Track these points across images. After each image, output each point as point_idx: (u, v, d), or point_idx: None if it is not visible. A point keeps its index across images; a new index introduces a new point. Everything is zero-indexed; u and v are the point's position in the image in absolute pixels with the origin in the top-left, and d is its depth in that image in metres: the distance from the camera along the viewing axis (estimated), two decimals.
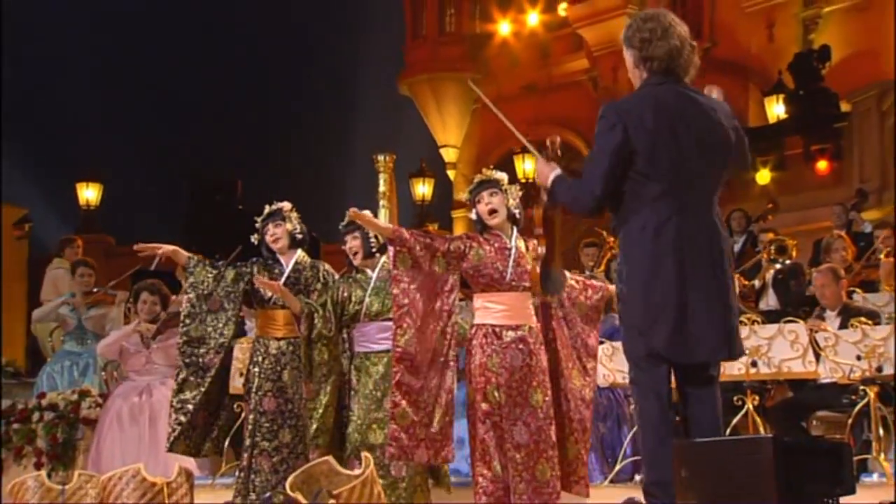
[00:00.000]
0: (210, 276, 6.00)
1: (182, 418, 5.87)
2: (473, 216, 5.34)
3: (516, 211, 5.32)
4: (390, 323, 5.71)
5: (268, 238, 6.06)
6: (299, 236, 6.08)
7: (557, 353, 5.29)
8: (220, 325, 5.98)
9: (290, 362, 5.94)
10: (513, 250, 5.22)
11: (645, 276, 4.13)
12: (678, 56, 4.24)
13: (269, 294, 5.95)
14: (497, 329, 5.15)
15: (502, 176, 5.35)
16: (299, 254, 6.10)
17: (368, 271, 5.85)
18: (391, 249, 5.07)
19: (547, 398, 5.12)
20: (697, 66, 4.32)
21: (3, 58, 18.72)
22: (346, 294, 5.80)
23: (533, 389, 5.09)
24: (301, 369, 5.85)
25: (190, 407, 5.87)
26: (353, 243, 5.81)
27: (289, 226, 6.05)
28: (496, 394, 5.08)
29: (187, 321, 5.96)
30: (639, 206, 4.15)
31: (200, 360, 5.93)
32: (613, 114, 4.19)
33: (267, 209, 6.11)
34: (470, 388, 5.15)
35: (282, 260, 6.08)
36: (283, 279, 5.98)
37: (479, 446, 5.09)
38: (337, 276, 6.12)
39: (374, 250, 5.80)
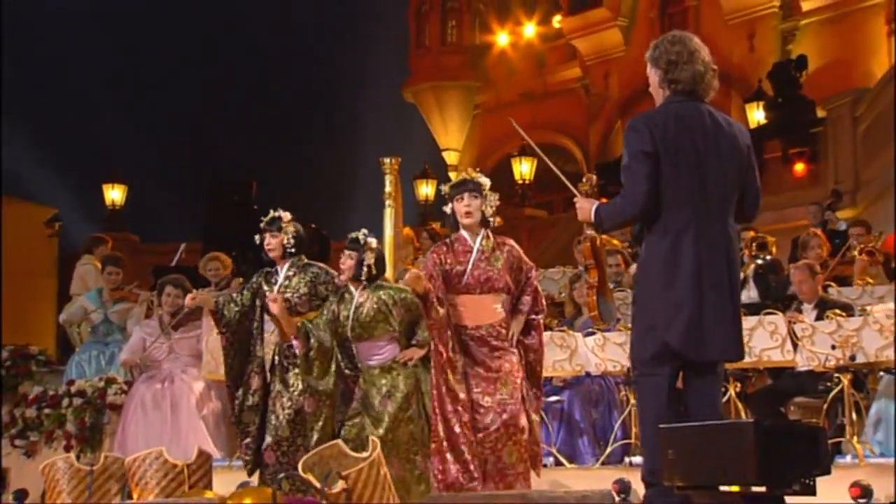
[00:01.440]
0: (235, 309, 5.98)
1: (250, 440, 5.89)
2: (448, 210, 5.28)
3: (491, 219, 5.27)
4: (376, 342, 5.69)
5: (265, 245, 6.01)
6: (291, 250, 5.97)
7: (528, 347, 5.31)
8: (252, 346, 5.98)
9: (284, 360, 5.92)
10: (474, 253, 5.18)
11: (665, 276, 4.12)
12: (701, 80, 4.26)
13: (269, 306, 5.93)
14: (459, 328, 5.16)
15: (485, 181, 5.28)
16: (292, 260, 6.01)
17: (352, 289, 5.77)
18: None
19: (515, 387, 5.10)
20: (717, 89, 4.34)
21: (4, 58, 18.65)
22: (337, 312, 5.74)
23: (500, 383, 5.09)
24: (293, 367, 5.84)
25: (253, 430, 5.89)
26: (347, 262, 5.73)
27: (283, 238, 5.95)
28: (456, 378, 5.08)
29: (228, 360, 5.98)
30: (661, 212, 4.14)
31: (248, 388, 5.94)
32: (640, 122, 4.21)
33: (271, 214, 6.03)
34: (433, 375, 5.15)
35: (277, 267, 6.04)
36: (276, 287, 5.95)
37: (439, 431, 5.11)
38: (333, 274, 6.02)
39: (361, 277, 5.71)
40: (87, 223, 17.87)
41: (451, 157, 23.82)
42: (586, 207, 4.34)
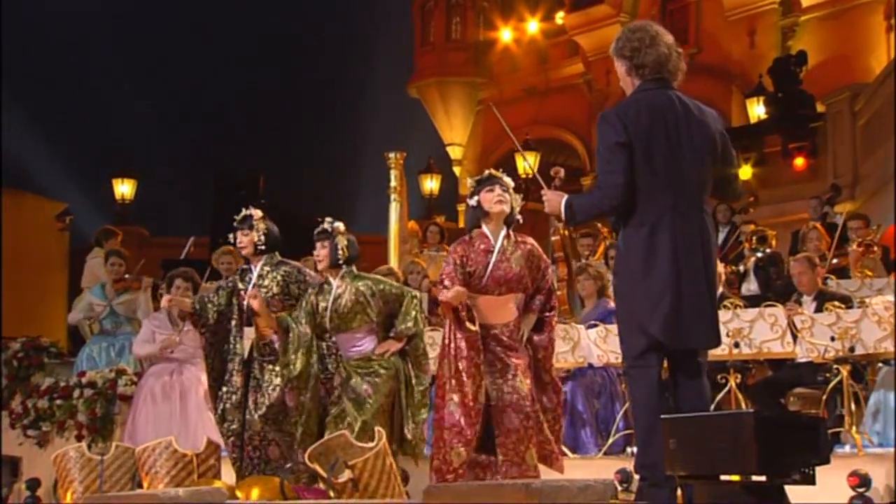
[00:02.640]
0: (213, 309, 5.95)
1: (234, 437, 5.87)
2: (474, 203, 5.10)
3: (518, 216, 5.16)
4: (354, 333, 5.59)
5: (237, 243, 5.99)
6: (262, 247, 5.93)
7: (537, 345, 5.18)
8: (232, 345, 5.94)
9: (259, 357, 5.92)
10: (494, 255, 5.03)
11: (642, 268, 4.07)
12: (667, 62, 4.20)
13: (247, 305, 5.88)
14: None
15: (511, 182, 5.18)
16: (265, 258, 5.98)
17: (331, 279, 5.66)
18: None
19: (528, 387, 4.98)
20: (684, 71, 4.28)
21: (7, 55, 18.67)
22: (316, 304, 5.65)
23: (518, 380, 4.96)
24: (268, 363, 5.82)
25: (236, 428, 5.87)
26: (321, 251, 5.63)
27: (254, 235, 5.92)
28: (472, 370, 4.94)
29: (209, 360, 5.96)
30: (636, 202, 4.08)
31: (230, 386, 5.92)
32: (612, 115, 4.15)
33: (243, 212, 6.00)
34: (446, 364, 4.99)
35: (251, 265, 6.01)
36: (250, 285, 5.93)
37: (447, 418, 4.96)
38: (305, 273, 5.98)
39: (339, 261, 5.62)
40: (98, 217, 17.89)
41: (455, 152, 23.81)
42: (555, 200, 4.24)
